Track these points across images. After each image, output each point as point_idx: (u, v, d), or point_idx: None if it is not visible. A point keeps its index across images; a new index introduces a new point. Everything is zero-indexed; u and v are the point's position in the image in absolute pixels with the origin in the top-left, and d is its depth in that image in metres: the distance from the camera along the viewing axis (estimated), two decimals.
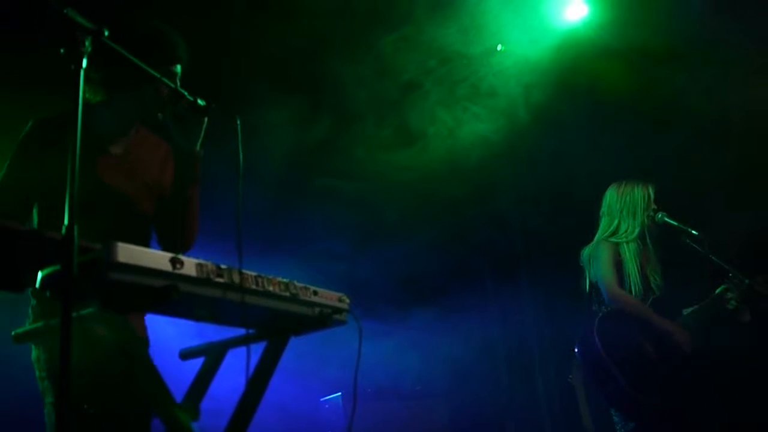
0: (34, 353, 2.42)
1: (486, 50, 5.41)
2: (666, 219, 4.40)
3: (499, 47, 5.46)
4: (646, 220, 4.38)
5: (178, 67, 2.61)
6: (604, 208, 4.52)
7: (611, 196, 4.50)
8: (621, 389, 3.88)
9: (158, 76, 2.28)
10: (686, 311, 4.34)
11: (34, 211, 2.50)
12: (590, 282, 4.41)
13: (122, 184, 2.58)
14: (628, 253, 4.32)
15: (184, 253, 1.72)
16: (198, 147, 2.59)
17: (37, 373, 2.40)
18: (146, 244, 2.63)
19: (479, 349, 6.28)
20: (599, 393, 4.13)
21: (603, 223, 4.49)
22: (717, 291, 4.29)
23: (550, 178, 6.22)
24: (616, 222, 4.41)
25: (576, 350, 4.15)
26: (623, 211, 4.41)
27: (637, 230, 4.36)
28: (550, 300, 6.35)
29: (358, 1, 4.73)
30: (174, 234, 2.68)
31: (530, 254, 6.91)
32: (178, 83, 2.57)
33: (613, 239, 4.37)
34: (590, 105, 5.59)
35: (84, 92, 1.73)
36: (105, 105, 2.59)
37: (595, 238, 4.47)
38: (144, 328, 2.63)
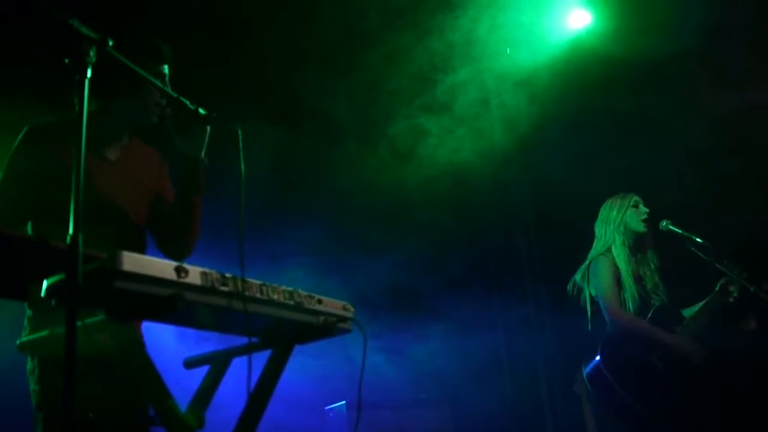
0: (30, 365, 2.37)
1: (475, 66, 5.40)
2: (671, 227, 4.37)
3: (508, 50, 5.48)
4: (639, 228, 4.34)
5: (165, 68, 2.64)
6: (597, 225, 4.49)
7: (603, 211, 4.47)
8: (630, 408, 3.87)
9: (151, 78, 2.26)
10: (686, 311, 4.31)
11: (30, 222, 2.47)
12: (590, 298, 4.36)
13: (117, 195, 2.57)
14: (623, 264, 4.27)
15: (184, 258, 1.72)
16: (203, 154, 2.61)
17: (31, 386, 2.35)
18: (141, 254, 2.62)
19: (483, 359, 6.25)
20: (609, 411, 4.12)
21: (596, 238, 4.45)
22: (717, 286, 4.23)
23: (549, 187, 6.21)
24: (608, 236, 4.36)
25: (584, 372, 4.11)
26: (612, 225, 4.36)
27: (630, 240, 4.32)
28: (553, 309, 6.33)
29: (344, 19, 4.73)
30: (175, 241, 2.70)
31: (533, 261, 6.89)
32: (169, 85, 2.60)
33: (608, 253, 4.32)
34: (582, 118, 5.59)
35: (78, 101, 1.73)
36: (99, 113, 2.56)
37: (590, 255, 4.43)
38: (140, 333, 2.63)
